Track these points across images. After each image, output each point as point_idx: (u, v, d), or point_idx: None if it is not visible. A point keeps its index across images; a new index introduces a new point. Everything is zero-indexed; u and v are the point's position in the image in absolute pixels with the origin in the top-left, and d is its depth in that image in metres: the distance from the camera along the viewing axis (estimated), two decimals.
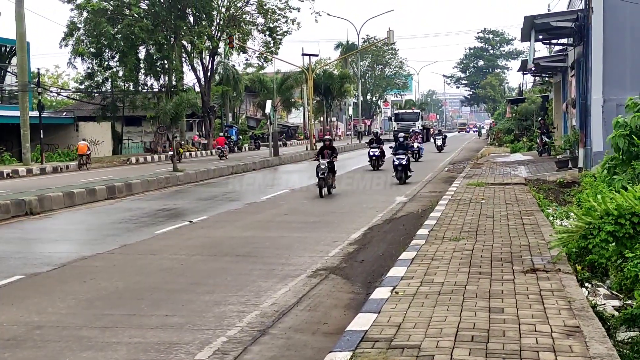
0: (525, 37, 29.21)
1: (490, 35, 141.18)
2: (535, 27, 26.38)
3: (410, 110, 78.57)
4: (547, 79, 45.71)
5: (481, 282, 8.55)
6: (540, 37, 29.25)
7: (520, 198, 17.53)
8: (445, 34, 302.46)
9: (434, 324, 6.91)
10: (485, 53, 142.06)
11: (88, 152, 41.65)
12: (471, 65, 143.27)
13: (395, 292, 8.22)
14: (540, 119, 42.65)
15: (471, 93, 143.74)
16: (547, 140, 35.49)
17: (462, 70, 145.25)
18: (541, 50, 51.68)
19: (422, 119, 75.22)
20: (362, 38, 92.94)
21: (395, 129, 68.37)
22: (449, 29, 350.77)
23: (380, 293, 8.26)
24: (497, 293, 8.00)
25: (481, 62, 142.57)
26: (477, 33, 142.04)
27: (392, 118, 78.92)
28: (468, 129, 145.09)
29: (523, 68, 45.17)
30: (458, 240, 11.58)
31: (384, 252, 12.51)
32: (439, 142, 50.61)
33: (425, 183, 26.37)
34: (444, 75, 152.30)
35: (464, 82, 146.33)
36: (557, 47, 34.53)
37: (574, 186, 19.47)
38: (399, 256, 10.62)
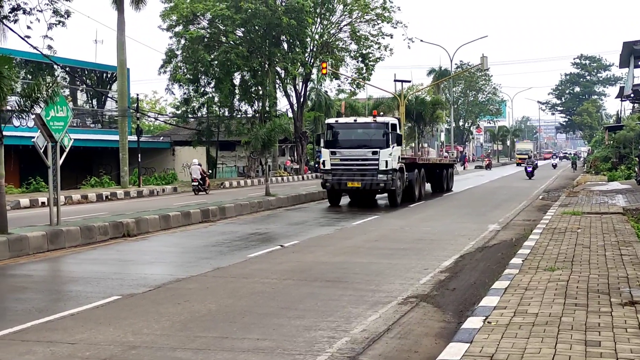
0: (624, 63, 28.61)
1: (587, 61, 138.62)
2: (634, 53, 25.81)
3: (368, 120, 30.15)
4: None
5: (577, 314, 8.33)
6: None
7: (618, 228, 17.04)
8: (540, 59, 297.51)
9: (528, 355, 6.76)
10: (581, 79, 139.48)
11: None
12: (567, 91, 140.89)
13: (488, 322, 8.09)
14: (639, 146, 41.48)
15: (567, 120, 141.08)
16: None
17: (557, 97, 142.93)
18: None
19: (397, 142, 28.87)
20: (455, 64, 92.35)
21: (326, 166, 29.08)
22: (544, 54, 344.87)
23: (472, 322, 8.15)
24: (594, 325, 7.78)
25: (577, 89, 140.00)
26: (574, 59, 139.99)
27: (320, 139, 33.27)
28: (532, 165, 55.02)
29: (621, 94, 44.13)
30: (553, 271, 11.32)
31: (476, 281, 12.32)
32: None
33: (519, 211, 25.93)
34: (538, 102, 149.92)
35: (559, 108, 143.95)
36: None
37: None
38: (492, 285, 10.46)
